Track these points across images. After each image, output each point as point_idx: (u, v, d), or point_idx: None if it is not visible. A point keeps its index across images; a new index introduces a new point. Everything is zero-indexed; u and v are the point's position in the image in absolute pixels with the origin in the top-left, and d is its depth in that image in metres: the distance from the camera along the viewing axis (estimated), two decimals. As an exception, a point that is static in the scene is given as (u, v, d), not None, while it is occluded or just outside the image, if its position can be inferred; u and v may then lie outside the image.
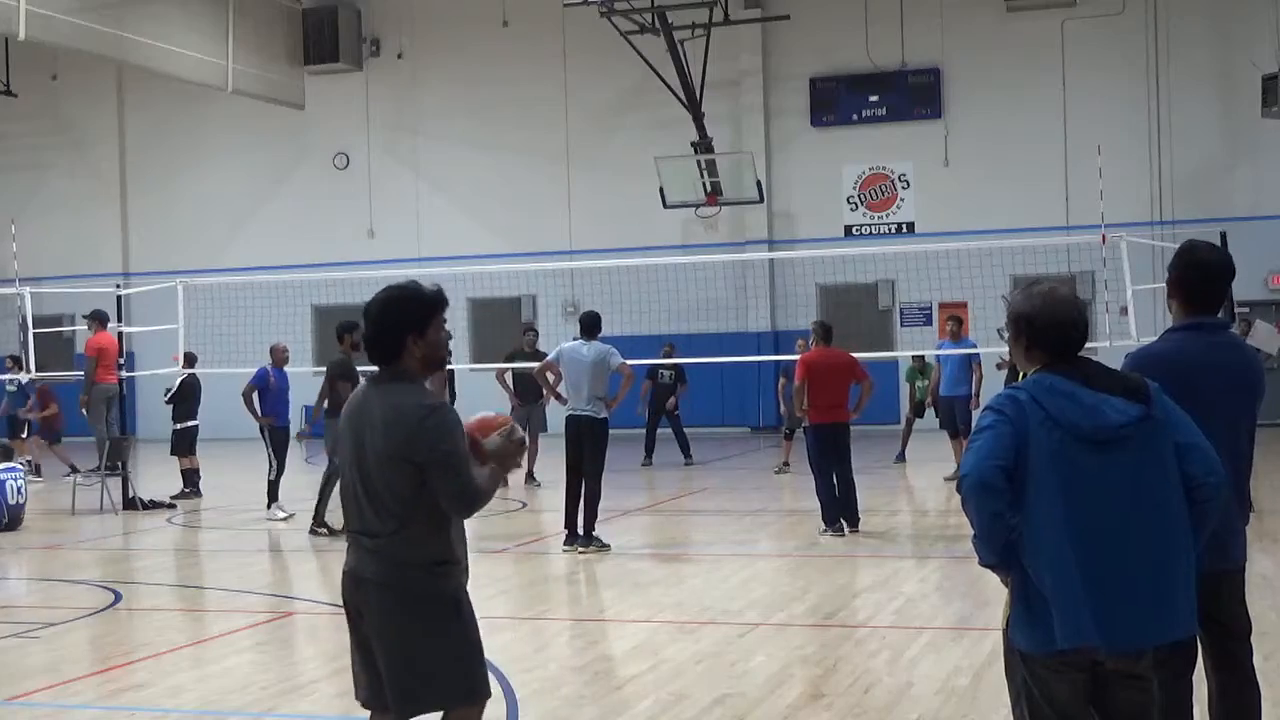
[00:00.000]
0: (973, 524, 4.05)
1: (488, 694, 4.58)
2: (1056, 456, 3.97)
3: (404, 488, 4.40)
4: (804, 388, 12.87)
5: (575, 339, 12.49)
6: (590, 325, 12.33)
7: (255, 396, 15.31)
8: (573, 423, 12.24)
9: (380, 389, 4.50)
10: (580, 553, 11.98)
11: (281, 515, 14.86)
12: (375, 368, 4.56)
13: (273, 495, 15.11)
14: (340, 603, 4.69)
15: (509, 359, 18.48)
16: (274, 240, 29.14)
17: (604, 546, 12.07)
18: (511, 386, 18.05)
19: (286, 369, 15.88)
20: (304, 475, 17.83)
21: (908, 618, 8.98)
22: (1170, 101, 24.85)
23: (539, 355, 18.19)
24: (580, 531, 12.14)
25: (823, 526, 12.84)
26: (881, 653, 7.92)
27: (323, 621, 9.41)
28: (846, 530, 12.82)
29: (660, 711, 6.77)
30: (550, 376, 12.91)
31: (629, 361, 12.62)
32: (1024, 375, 14.41)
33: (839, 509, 12.88)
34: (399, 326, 4.47)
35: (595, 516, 12.18)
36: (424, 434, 4.36)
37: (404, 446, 4.36)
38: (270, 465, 15.18)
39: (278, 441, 15.29)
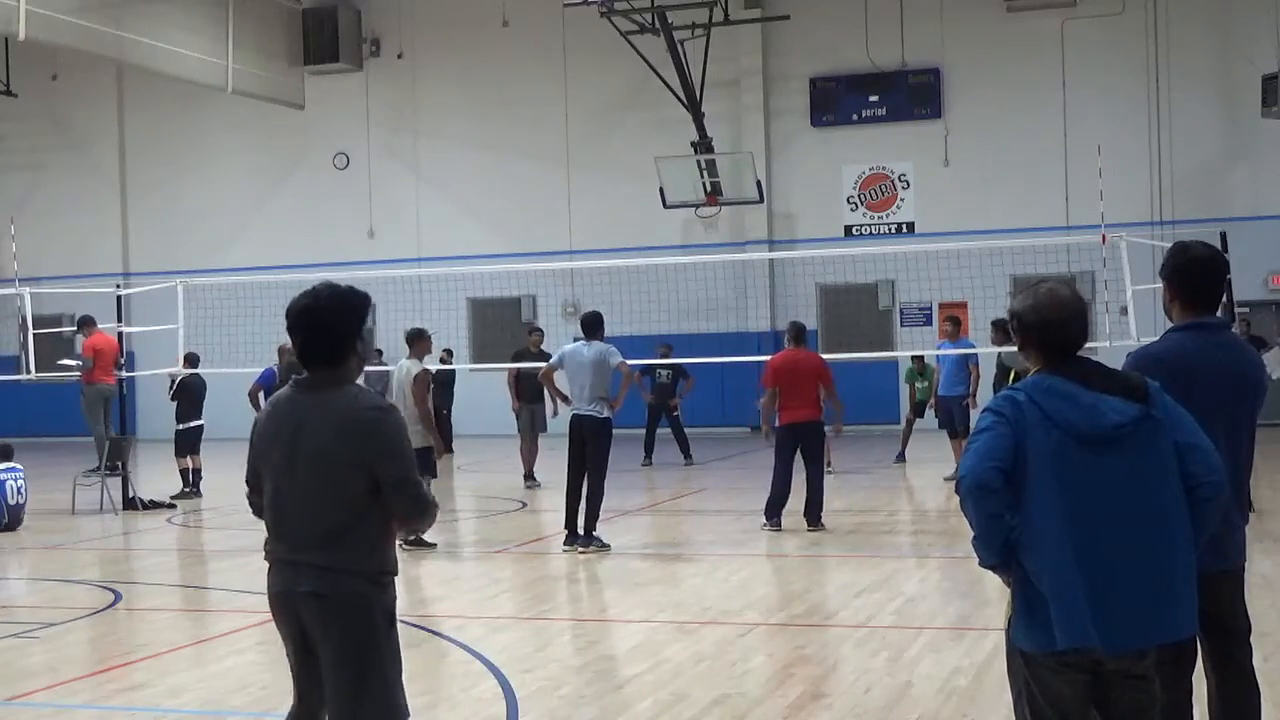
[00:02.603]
0: (972, 525, 4.06)
1: (408, 713, 4.46)
2: (1055, 457, 3.97)
3: (352, 494, 4.23)
4: (775, 394, 13.01)
5: (578, 339, 12.50)
6: (591, 325, 12.33)
7: (262, 396, 15.32)
8: (575, 423, 12.23)
9: (318, 395, 4.31)
10: (580, 553, 11.98)
11: None
12: (308, 372, 4.37)
13: None
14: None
15: (515, 359, 18.44)
16: (274, 240, 29.14)
17: (604, 547, 12.07)
18: (514, 386, 18.03)
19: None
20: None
21: (908, 618, 8.98)
22: (1170, 101, 24.85)
23: (544, 355, 18.19)
24: (581, 531, 12.14)
25: (764, 520, 13.04)
26: (881, 653, 7.92)
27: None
28: (807, 527, 12.96)
29: (660, 711, 6.77)
30: (554, 379, 12.93)
31: (628, 362, 12.62)
32: (1014, 375, 14.37)
33: (783, 505, 13.08)
34: (353, 331, 4.36)
35: (597, 516, 12.17)
36: (381, 436, 4.23)
37: (359, 450, 4.20)
38: None
39: None
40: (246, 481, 4.55)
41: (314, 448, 4.26)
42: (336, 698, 4.29)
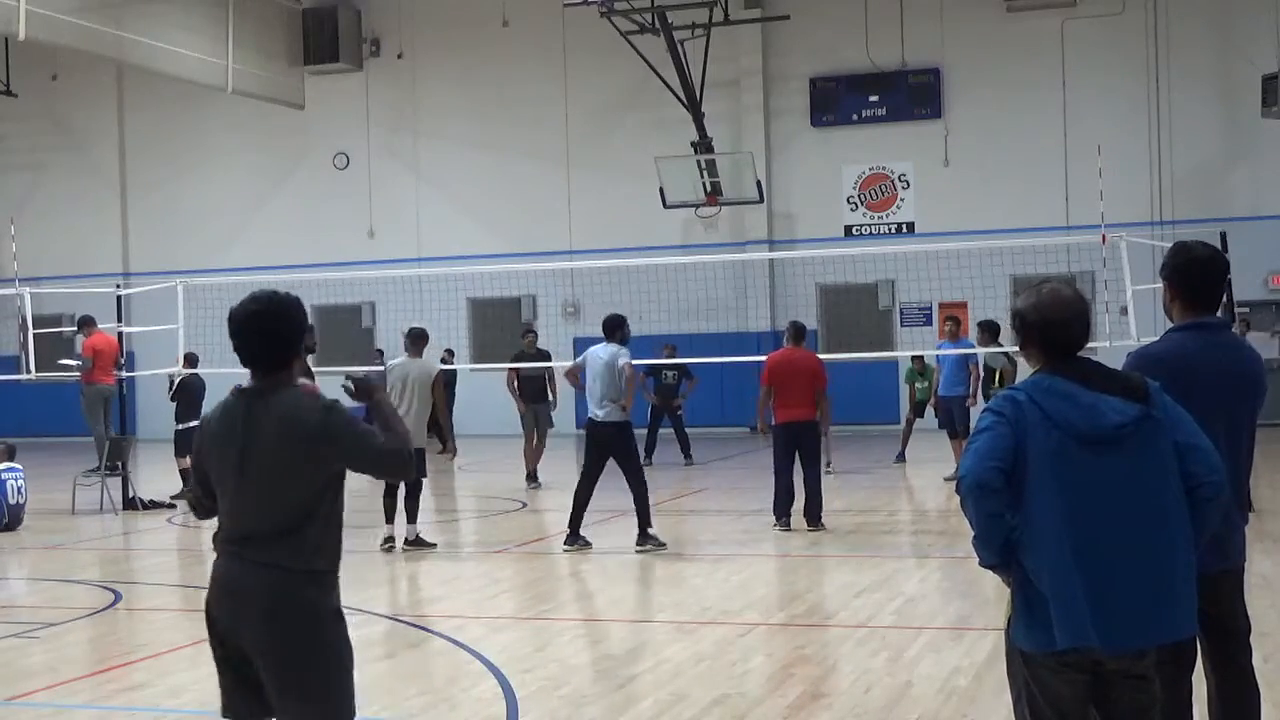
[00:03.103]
0: (971, 525, 4.06)
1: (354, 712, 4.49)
2: (1055, 457, 3.97)
3: (302, 494, 4.31)
4: (770, 392, 13.06)
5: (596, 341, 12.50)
6: (609, 328, 12.34)
7: None
8: (589, 427, 12.24)
9: (264, 400, 4.39)
10: (637, 551, 11.96)
11: None
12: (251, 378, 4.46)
13: None
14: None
15: (515, 360, 18.43)
16: (274, 240, 29.13)
17: (660, 545, 12.03)
18: (516, 388, 18.02)
19: (355, 367, 15.93)
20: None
21: (908, 618, 8.99)
22: (1170, 101, 24.85)
23: (542, 354, 18.22)
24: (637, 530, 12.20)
25: (773, 520, 13.09)
26: (881, 653, 7.92)
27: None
28: (807, 528, 12.98)
29: (660, 711, 6.77)
30: (576, 376, 12.93)
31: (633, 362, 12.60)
32: (1000, 375, 14.41)
33: (790, 505, 13.10)
34: (296, 335, 4.44)
35: (644, 515, 12.10)
36: (334, 437, 4.30)
37: (311, 452, 4.28)
38: None
39: None
40: (198, 483, 4.57)
41: (263, 450, 4.33)
42: (285, 698, 4.31)
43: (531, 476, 17.68)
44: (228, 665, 4.42)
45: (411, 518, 12.40)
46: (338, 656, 4.37)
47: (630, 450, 12.19)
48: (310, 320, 15.95)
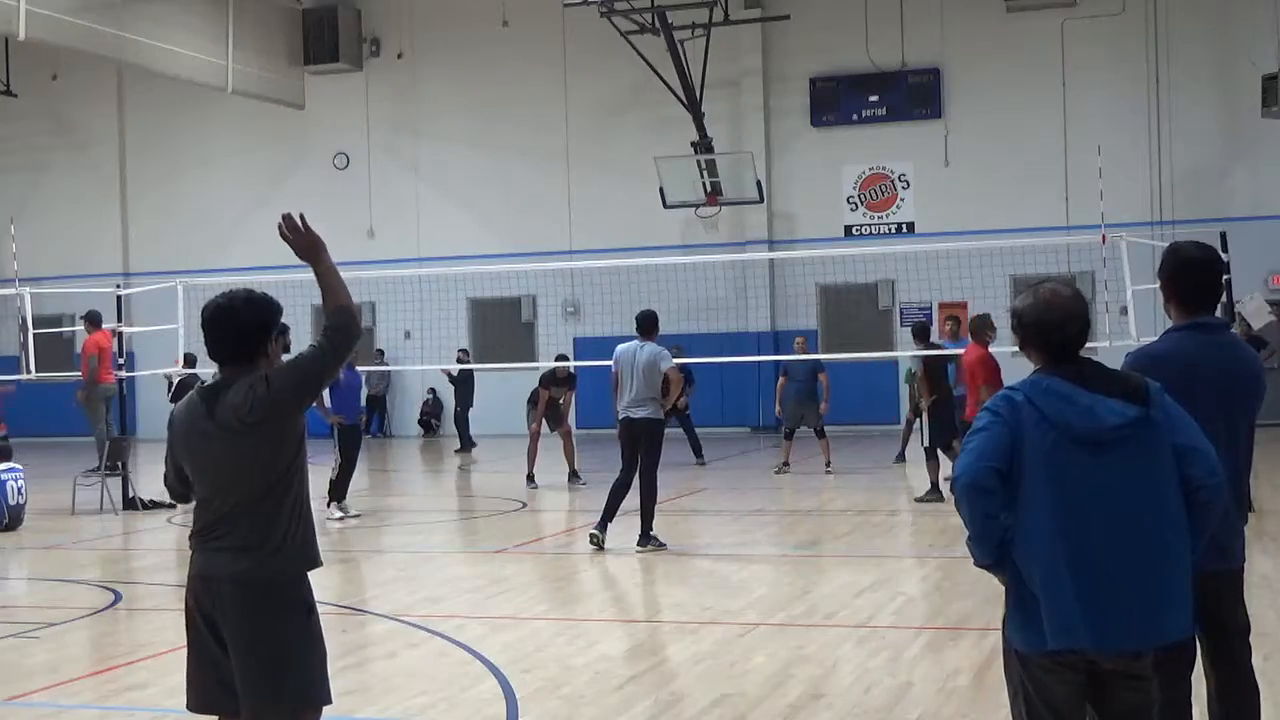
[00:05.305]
0: (966, 525, 4.06)
1: (330, 699, 4.55)
2: (1051, 457, 3.97)
3: (266, 476, 4.35)
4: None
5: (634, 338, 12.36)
6: (646, 325, 12.17)
7: (325, 393, 15.15)
8: (625, 424, 12.10)
9: (222, 391, 4.43)
10: (638, 551, 11.93)
11: (350, 514, 14.71)
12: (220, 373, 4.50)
13: (339, 494, 14.78)
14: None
15: (545, 380, 18.25)
16: (274, 240, 28.67)
17: (660, 546, 11.99)
18: (542, 410, 17.96)
19: (358, 367, 15.98)
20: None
21: (908, 618, 8.99)
22: (1170, 101, 24.85)
23: (571, 378, 18.14)
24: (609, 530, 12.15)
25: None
26: (881, 653, 7.92)
27: (323, 621, 9.39)
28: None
29: (660, 711, 6.77)
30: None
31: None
32: (912, 380, 14.33)
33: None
34: (266, 332, 4.50)
35: (648, 515, 12.06)
36: (271, 375, 4.36)
37: (260, 412, 4.31)
38: (335, 463, 14.79)
39: (347, 440, 14.83)
40: (172, 470, 4.60)
41: (222, 436, 4.38)
42: (243, 685, 4.35)
43: (531, 478, 17.67)
44: (204, 654, 4.45)
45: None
46: (298, 648, 4.40)
47: (658, 450, 12.13)
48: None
